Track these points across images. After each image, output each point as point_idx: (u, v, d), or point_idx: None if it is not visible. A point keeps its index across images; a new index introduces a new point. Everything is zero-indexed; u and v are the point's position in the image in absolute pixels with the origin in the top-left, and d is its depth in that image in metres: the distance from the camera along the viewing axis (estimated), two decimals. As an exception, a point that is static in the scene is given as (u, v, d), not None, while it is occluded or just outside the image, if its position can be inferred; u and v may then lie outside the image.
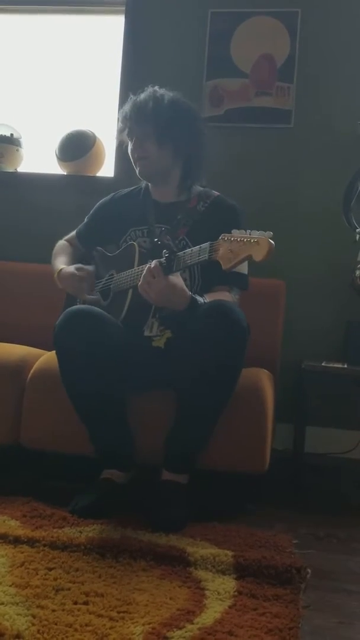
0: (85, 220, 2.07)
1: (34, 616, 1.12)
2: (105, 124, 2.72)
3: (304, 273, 2.48)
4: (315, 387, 2.17)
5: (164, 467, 1.69)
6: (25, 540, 1.42)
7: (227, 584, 1.30)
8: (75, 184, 2.66)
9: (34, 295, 2.35)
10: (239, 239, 1.45)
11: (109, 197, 2.05)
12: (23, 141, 2.75)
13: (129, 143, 1.88)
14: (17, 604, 1.16)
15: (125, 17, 2.68)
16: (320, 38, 2.52)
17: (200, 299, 1.64)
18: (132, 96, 1.89)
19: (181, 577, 1.32)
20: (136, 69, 2.65)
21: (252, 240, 1.43)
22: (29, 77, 2.86)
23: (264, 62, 2.55)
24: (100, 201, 2.06)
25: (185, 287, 1.62)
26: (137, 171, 1.88)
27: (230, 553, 1.41)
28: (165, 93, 1.87)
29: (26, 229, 2.66)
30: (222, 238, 1.48)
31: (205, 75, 2.58)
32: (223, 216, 1.83)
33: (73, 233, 2.09)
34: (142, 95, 1.86)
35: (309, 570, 1.37)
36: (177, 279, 1.61)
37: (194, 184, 1.92)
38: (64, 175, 2.71)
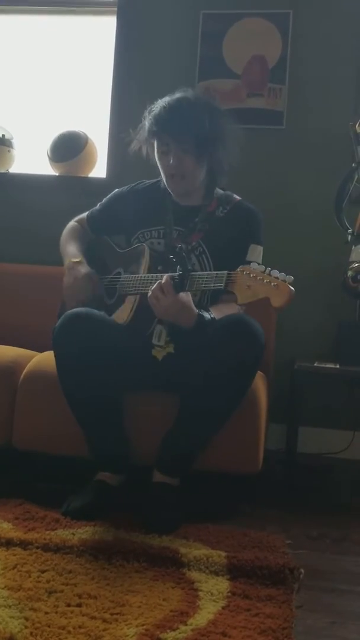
0: (99, 206, 2.00)
1: (26, 619, 1.12)
2: (97, 125, 2.72)
3: (296, 273, 2.47)
4: (308, 388, 2.18)
5: (156, 469, 1.69)
6: (18, 542, 1.42)
7: (221, 585, 1.30)
8: (67, 185, 2.66)
9: (26, 296, 2.34)
10: (258, 277, 1.43)
11: (127, 188, 1.96)
12: (15, 142, 2.74)
13: (157, 151, 1.78)
14: (10, 606, 1.16)
15: (117, 18, 2.68)
16: (312, 39, 2.53)
17: (207, 315, 1.62)
18: (167, 99, 1.77)
19: (174, 579, 1.32)
20: (128, 70, 2.65)
21: (272, 284, 1.41)
22: (21, 78, 2.85)
23: (256, 63, 2.56)
24: (117, 190, 1.98)
25: (193, 305, 1.60)
26: (167, 185, 1.80)
27: (223, 554, 1.41)
28: (201, 100, 1.78)
29: (18, 230, 2.65)
30: (240, 270, 1.46)
31: (197, 76, 2.58)
32: (243, 223, 1.81)
33: (84, 215, 2.02)
34: (177, 103, 1.74)
35: (302, 571, 1.38)
36: (186, 297, 1.58)
37: (216, 188, 1.87)
38: (55, 176, 2.70)
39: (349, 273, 2.19)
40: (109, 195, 2.00)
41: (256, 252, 1.77)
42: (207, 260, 1.78)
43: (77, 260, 1.86)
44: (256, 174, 2.53)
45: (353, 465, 2.35)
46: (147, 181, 1.96)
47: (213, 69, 2.57)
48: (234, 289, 1.46)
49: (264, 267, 1.46)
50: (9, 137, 2.72)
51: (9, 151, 2.71)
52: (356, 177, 2.22)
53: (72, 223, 2.03)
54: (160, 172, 1.84)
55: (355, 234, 2.23)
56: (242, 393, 1.65)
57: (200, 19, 2.58)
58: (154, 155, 1.82)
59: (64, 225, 2.08)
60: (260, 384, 1.86)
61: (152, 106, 1.81)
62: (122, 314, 1.74)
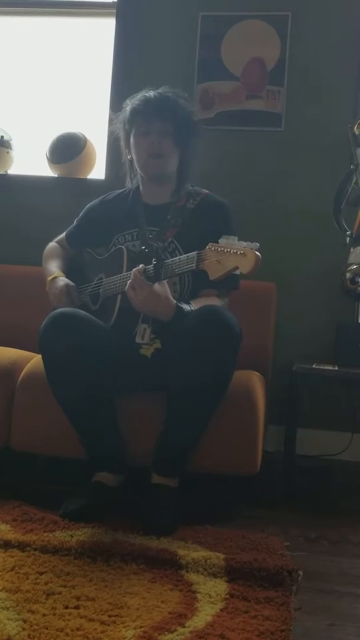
0: (75, 222, 2.06)
1: (24, 621, 1.12)
2: (96, 127, 2.72)
3: (294, 275, 2.49)
4: (306, 389, 2.18)
5: (153, 471, 1.68)
6: (16, 544, 1.41)
7: (219, 587, 1.30)
8: (66, 186, 2.66)
9: (24, 297, 2.33)
10: (225, 250, 1.44)
11: (98, 200, 2.04)
12: (14, 143, 2.74)
13: (135, 134, 1.83)
14: (8, 608, 1.15)
15: (116, 20, 2.68)
16: (311, 41, 2.54)
17: (186, 307, 1.63)
18: (144, 92, 1.85)
19: (172, 581, 1.32)
20: (127, 72, 2.65)
21: (238, 252, 1.42)
22: (20, 79, 2.85)
23: (255, 65, 2.56)
24: (90, 204, 2.05)
25: (170, 296, 1.61)
26: (143, 168, 1.84)
27: (221, 556, 1.41)
28: (177, 93, 1.87)
29: (16, 231, 2.65)
30: (209, 248, 1.47)
31: (196, 78, 2.59)
32: (212, 215, 1.83)
33: (63, 235, 2.08)
34: (155, 93, 1.84)
35: (301, 573, 1.37)
36: (162, 287, 1.59)
37: (186, 184, 1.91)
38: (54, 177, 2.70)
39: (348, 275, 2.19)
40: (83, 211, 2.05)
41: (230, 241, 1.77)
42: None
43: (54, 276, 1.90)
44: (255, 175, 2.54)
45: (351, 467, 2.35)
46: (117, 191, 2.02)
47: (212, 70, 2.58)
48: (205, 266, 1.47)
49: (233, 237, 1.46)
50: (7, 139, 2.71)
51: (7, 152, 2.71)
52: (354, 178, 2.22)
53: (51, 244, 2.08)
54: (134, 161, 1.87)
55: (353, 235, 2.24)
56: (225, 383, 1.65)
57: (199, 21, 2.59)
58: (128, 142, 1.87)
59: (63, 227, 2.09)
60: (258, 385, 1.87)
61: (133, 96, 1.88)
62: (107, 316, 1.75)
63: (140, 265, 1.60)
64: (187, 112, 1.85)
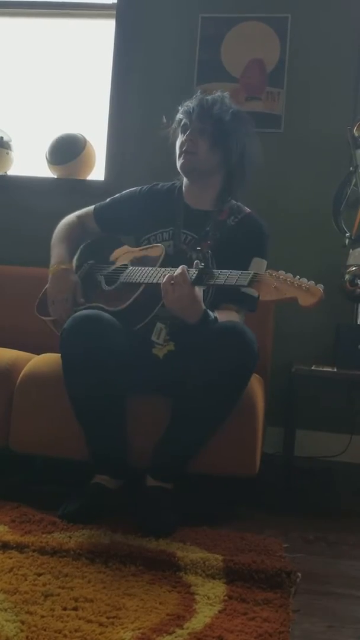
0: (109, 201, 1.99)
1: (23, 622, 1.12)
2: (95, 128, 2.72)
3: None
4: (305, 391, 2.18)
5: (149, 474, 1.68)
6: (14, 545, 1.41)
7: (217, 589, 1.30)
8: (65, 188, 2.66)
9: (23, 298, 2.32)
10: (288, 280, 1.45)
11: (146, 189, 1.96)
12: (13, 144, 2.74)
13: (180, 136, 1.86)
14: (6, 609, 1.15)
15: (116, 21, 2.68)
16: (310, 43, 2.54)
17: (212, 315, 1.64)
18: (199, 94, 1.88)
19: (171, 582, 1.32)
20: (127, 73, 2.66)
21: (303, 287, 1.44)
22: (20, 81, 2.86)
23: (254, 67, 2.56)
24: (134, 189, 1.97)
25: (202, 301, 1.61)
26: (178, 164, 1.85)
27: (220, 557, 1.41)
28: (236, 109, 1.88)
29: (16, 232, 2.65)
30: (268, 273, 1.47)
31: (195, 79, 2.59)
32: (250, 235, 1.83)
33: (89, 209, 2.00)
34: (211, 97, 1.86)
35: (299, 574, 1.37)
36: (199, 292, 1.59)
37: (230, 199, 1.90)
38: (54, 178, 2.70)
39: (347, 276, 2.20)
40: (124, 193, 1.99)
41: (259, 266, 1.75)
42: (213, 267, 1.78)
43: (65, 266, 1.86)
44: (254, 177, 2.53)
45: (350, 468, 2.35)
46: (166, 184, 1.97)
47: (211, 72, 2.58)
48: (259, 287, 1.47)
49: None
50: (7, 140, 2.72)
51: (7, 153, 2.71)
52: (354, 180, 2.23)
53: (71, 218, 1.99)
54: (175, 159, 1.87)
55: (352, 237, 2.24)
56: (234, 400, 1.65)
57: (199, 23, 2.59)
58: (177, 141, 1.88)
59: (57, 228, 2.05)
60: (257, 387, 1.86)
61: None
62: (118, 301, 1.73)
63: (184, 266, 1.59)
64: (233, 120, 1.83)
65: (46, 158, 2.68)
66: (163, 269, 1.66)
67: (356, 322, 2.35)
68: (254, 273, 1.50)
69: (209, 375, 1.58)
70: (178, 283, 1.56)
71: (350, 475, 2.31)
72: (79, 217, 2.00)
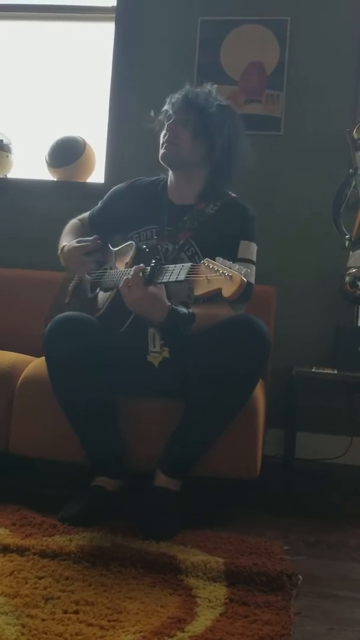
0: (99, 204, 2.01)
1: (23, 626, 1.11)
2: (95, 130, 2.72)
3: (294, 279, 2.49)
4: (306, 393, 2.18)
5: (159, 469, 1.67)
6: (15, 548, 1.41)
7: (218, 591, 1.29)
8: (65, 190, 2.66)
9: (23, 301, 2.33)
10: (217, 269, 1.38)
11: (126, 184, 1.96)
12: (13, 147, 2.74)
13: (164, 127, 1.83)
14: (7, 613, 1.15)
15: (116, 24, 2.69)
16: (310, 46, 2.55)
17: (182, 310, 1.60)
18: (187, 85, 1.87)
19: (172, 585, 1.31)
20: (126, 76, 2.66)
21: (226, 274, 1.36)
22: (20, 83, 2.86)
23: (254, 69, 2.57)
24: (116, 188, 1.99)
25: (165, 298, 1.58)
26: (160, 154, 1.83)
27: (221, 560, 1.40)
28: (221, 100, 1.85)
29: (16, 235, 2.65)
30: (203, 263, 1.43)
31: (195, 82, 2.58)
32: (233, 218, 1.78)
33: (86, 215, 2.03)
34: (199, 89, 1.85)
35: (300, 577, 1.37)
36: (157, 289, 1.56)
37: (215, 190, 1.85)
38: (54, 181, 2.71)
39: (347, 278, 2.20)
40: (107, 194, 2.00)
41: (248, 249, 1.72)
42: (199, 259, 1.75)
43: (64, 244, 1.88)
44: (254, 179, 2.53)
45: (351, 470, 2.35)
46: (146, 178, 1.96)
47: (211, 75, 2.58)
48: (194, 281, 1.41)
49: (228, 261, 1.40)
50: (7, 142, 2.72)
51: (7, 156, 2.72)
52: (354, 182, 2.23)
53: (74, 220, 2.04)
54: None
55: (352, 239, 2.24)
56: (250, 390, 1.65)
57: (199, 26, 2.60)
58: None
59: (63, 231, 2.08)
60: (258, 389, 1.86)
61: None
62: (96, 308, 1.74)
63: (141, 265, 1.58)
64: (218, 112, 1.79)
65: (46, 161, 2.68)
66: (129, 270, 1.64)
67: (356, 324, 2.35)
68: (192, 265, 1.45)
69: (224, 369, 1.57)
70: (132, 285, 1.55)
71: (351, 478, 2.31)
72: (80, 220, 2.04)
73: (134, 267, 1.58)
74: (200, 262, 1.44)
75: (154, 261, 1.57)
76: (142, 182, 1.95)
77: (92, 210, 2.02)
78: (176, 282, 1.49)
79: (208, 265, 1.41)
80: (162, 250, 1.76)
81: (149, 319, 1.60)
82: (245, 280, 1.35)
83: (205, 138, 1.78)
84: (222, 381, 1.59)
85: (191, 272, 1.44)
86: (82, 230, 2.00)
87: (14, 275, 2.44)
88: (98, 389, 1.65)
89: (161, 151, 1.83)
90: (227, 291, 1.35)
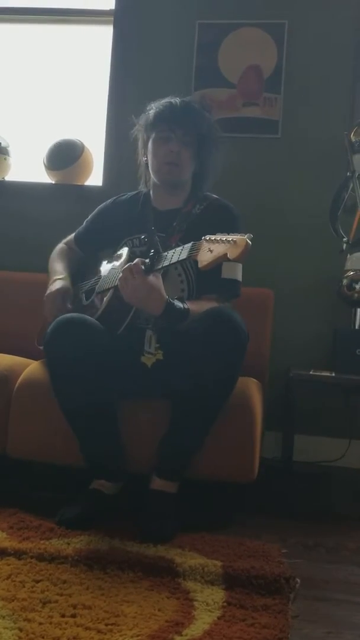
0: (84, 224, 2.04)
1: (20, 629, 1.11)
2: (93, 133, 2.73)
3: (292, 282, 2.50)
4: (304, 396, 2.18)
5: (155, 474, 1.67)
6: (12, 552, 1.41)
7: (216, 595, 1.29)
8: (63, 193, 2.66)
9: (22, 304, 2.33)
10: (219, 239, 1.42)
11: (110, 201, 2.02)
12: (11, 150, 2.74)
13: (155, 138, 1.83)
14: (4, 617, 1.15)
15: (114, 28, 2.70)
16: (307, 49, 2.55)
17: (179, 304, 1.61)
18: (166, 99, 1.85)
19: (169, 588, 1.31)
20: (124, 79, 2.67)
21: (230, 240, 1.39)
22: (18, 86, 2.86)
23: (252, 72, 2.57)
24: (101, 206, 2.03)
25: (163, 290, 1.59)
26: (158, 175, 1.84)
27: (219, 563, 1.40)
28: (203, 104, 1.89)
29: (14, 237, 2.65)
30: (204, 238, 1.46)
31: (193, 85, 2.60)
32: (218, 218, 1.82)
33: (71, 236, 2.06)
34: (181, 100, 1.84)
35: (298, 580, 1.37)
36: (156, 280, 1.57)
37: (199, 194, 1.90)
38: (52, 184, 2.71)
39: (344, 281, 2.20)
40: (93, 212, 2.04)
41: None
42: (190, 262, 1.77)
43: (58, 277, 1.90)
44: (251, 182, 2.54)
45: (349, 473, 2.35)
46: (129, 193, 2.01)
47: (209, 78, 2.59)
48: (197, 256, 1.44)
49: (226, 234, 1.44)
50: (5, 145, 2.72)
51: (5, 159, 2.72)
52: (351, 185, 2.23)
53: (60, 245, 2.07)
54: (149, 165, 1.87)
55: (350, 242, 2.24)
56: (230, 382, 1.65)
57: (197, 29, 2.60)
58: (147, 145, 1.87)
59: (61, 233, 2.09)
60: (255, 391, 1.86)
61: (158, 101, 1.88)
62: (95, 310, 1.74)
63: (138, 259, 1.59)
64: (211, 126, 1.85)
65: (44, 163, 2.68)
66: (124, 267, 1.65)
67: (354, 326, 2.35)
68: (193, 243, 1.48)
69: (203, 365, 1.57)
70: (132, 273, 1.56)
71: (349, 480, 2.31)
72: (66, 243, 2.07)
73: (136, 259, 1.59)
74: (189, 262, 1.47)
75: (152, 251, 1.58)
76: (125, 197, 2.00)
77: (77, 230, 2.05)
78: (178, 261, 1.51)
79: (208, 239, 1.44)
80: (154, 241, 1.77)
81: (147, 310, 1.61)
82: (250, 242, 1.37)
83: (200, 153, 1.83)
84: (200, 374, 1.59)
85: (193, 248, 1.47)
86: (69, 254, 2.03)
87: (11, 278, 2.44)
88: (100, 390, 1.65)
89: (162, 172, 1.84)
90: (233, 253, 1.37)
